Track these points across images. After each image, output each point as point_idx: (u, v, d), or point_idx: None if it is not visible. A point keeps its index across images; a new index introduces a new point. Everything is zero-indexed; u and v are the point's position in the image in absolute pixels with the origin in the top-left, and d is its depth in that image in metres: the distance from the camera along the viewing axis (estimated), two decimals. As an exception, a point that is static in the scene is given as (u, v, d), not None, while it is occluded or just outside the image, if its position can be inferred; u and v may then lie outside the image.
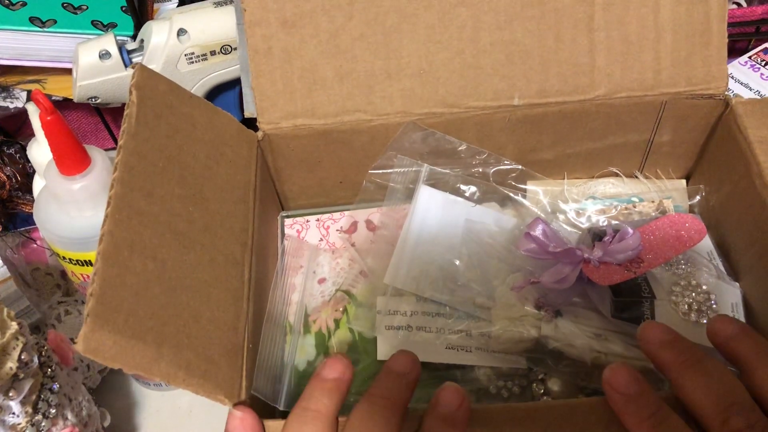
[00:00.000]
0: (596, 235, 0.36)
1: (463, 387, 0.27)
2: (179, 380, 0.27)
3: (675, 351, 0.27)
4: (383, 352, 0.36)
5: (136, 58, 0.47)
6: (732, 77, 0.49)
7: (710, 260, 0.39)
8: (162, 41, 0.46)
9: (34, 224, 0.43)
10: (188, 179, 0.33)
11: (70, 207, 0.38)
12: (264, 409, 0.32)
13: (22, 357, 0.32)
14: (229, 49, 0.48)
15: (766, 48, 0.51)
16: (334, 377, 0.28)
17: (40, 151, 0.45)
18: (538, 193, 0.42)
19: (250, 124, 0.39)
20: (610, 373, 0.27)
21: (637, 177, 0.44)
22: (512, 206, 0.42)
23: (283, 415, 0.28)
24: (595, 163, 0.43)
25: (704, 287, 0.36)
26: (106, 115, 0.56)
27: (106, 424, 0.42)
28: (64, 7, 0.51)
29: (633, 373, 0.26)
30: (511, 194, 0.41)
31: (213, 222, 0.33)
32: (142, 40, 0.48)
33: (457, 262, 0.38)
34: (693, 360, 0.26)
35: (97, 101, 0.48)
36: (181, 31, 0.46)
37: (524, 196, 0.42)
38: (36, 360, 0.34)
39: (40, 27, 0.49)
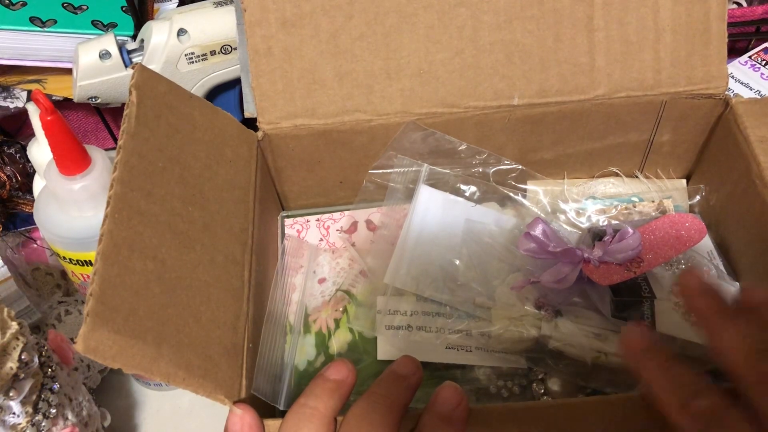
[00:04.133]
0: (596, 235, 0.36)
1: (463, 387, 0.27)
2: (179, 380, 0.27)
3: (712, 298, 0.26)
4: (383, 351, 0.36)
5: (136, 58, 0.47)
6: (732, 77, 0.49)
7: (710, 260, 0.39)
8: (162, 41, 0.46)
9: (35, 224, 0.43)
10: (188, 179, 0.33)
11: (71, 207, 0.38)
12: (264, 408, 0.32)
13: (23, 357, 0.32)
14: (229, 49, 0.48)
15: (766, 48, 0.51)
16: (337, 378, 0.28)
17: (40, 151, 0.45)
18: (538, 192, 0.42)
19: (250, 124, 0.39)
20: (625, 332, 0.27)
21: (637, 177, 0.44)
22: (512, 206, 0.42)
23: (283, 414, 0.28)
24: (595, 162, 0.43)
25: (704, 287, 0.36)
26: (106, 115, 0.56)
27: (107, 423, 0.42)
28: (65, 7, 0.51)
29: (647, 330, 0.27)
30: (511, 194, 0.41)
31: (213, 222, 0.33)
32: (142, 40, 0.48)
33: (457, 262, 0.38)
34: (730, 310, 0.26)
35: (97, 101, 0.48)
36: (181, 31, 0.46)
37: (524, 196, 0.42)
38: (36, 360, 0.34)
39: (40, 27, 0.49)
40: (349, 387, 0.28)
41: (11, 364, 0.31)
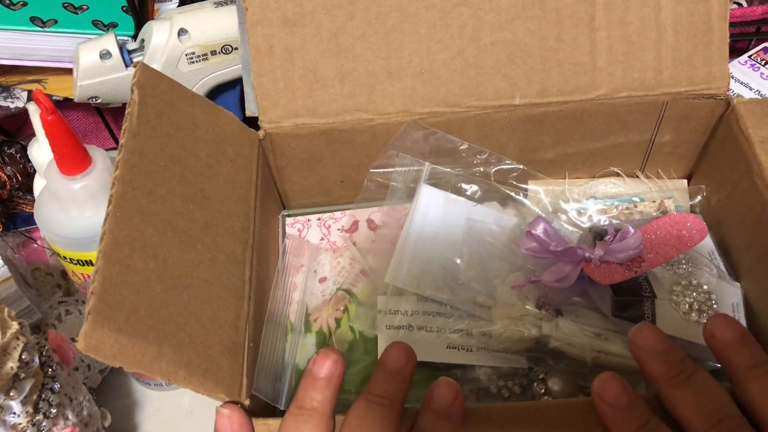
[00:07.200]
0: (597, 234, 0.36)
1: (463, 386, 0.27)
2: (180, 379, 0.27)
3: (665, 364, 0.26)
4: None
5: (137, 58, 0.47)
6: (732, 77, 0.49)
7: (711, 260, 0.38)
8: (162, 41, 0.46)
9: (35, 224, 0.43)
10: (189, 178, 0.32)
11: (71, 207, 0.38)
12: (264, 409, 0.32)
13: (23, 357, 0.32)
14: (230, 49, 0.48)
15: (766, 47, 0.51)
16: (324, 375, 0.28)
17: (40, 151, 0.45)
18: (539, 192, 0.42)
19: (252, 123, 0.39)
20: (599, 384, 0.27)
21: (638, 177, 0.44)
22: (513, 206, 0.41)
23: (284, 414, 0.28)
24: (597, 162, 0.43)
25: (705, 287, 0.36)
26: (106, 115, 0.56)
27: (107, 423, 0.42)
28: (65, 7, 0.51)
29: (622, 384, 0.26)
30: (512, 194, 0.41)
31: (214, 221, 0.33)
32: (142, 40, 0.48)
33: (458, 261, 0.38)
34: (683, 376, 0.26)
35: (98, 101, 0.48)
36: (181, 31, 0.46)
37: (525, 196, 0.42)
38: (37, 360, 0.34)
39: (40, 27, 0.49)
40: (338, 377, 0.28)
41: (12, 364, 0.31)
